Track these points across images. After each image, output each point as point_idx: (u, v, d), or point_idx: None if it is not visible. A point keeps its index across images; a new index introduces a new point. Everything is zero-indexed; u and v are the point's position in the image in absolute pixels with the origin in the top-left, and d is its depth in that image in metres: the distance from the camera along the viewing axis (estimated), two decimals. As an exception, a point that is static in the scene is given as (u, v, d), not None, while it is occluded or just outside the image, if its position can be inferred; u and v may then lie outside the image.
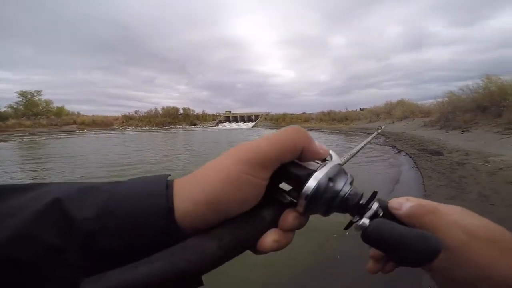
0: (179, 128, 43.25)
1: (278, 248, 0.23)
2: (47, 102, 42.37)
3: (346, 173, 0.26)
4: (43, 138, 24.00)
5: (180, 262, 0.19)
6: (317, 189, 0.23)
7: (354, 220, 0.26)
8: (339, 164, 0.25)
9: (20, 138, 23.88)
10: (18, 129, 32.60)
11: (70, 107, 48.42)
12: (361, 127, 26.18)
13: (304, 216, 0.24)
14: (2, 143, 19.34)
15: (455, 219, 0.26)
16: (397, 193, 4.75)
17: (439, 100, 18.46)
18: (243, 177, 0.22)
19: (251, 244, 0.23)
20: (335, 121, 34.74)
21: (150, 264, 0.18)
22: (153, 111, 49.49)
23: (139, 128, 42.17)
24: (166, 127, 43.86)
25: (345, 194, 0.24)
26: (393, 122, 22.74)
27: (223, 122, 52.17)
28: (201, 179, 0.22)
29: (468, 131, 11.49)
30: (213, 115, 55.72)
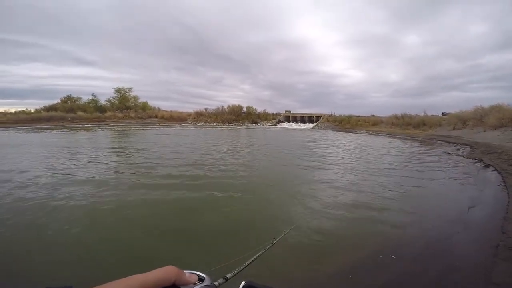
0: (242, 125, 45.87)
1: None
2: (135, 98, 48.66)
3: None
4: (135, 128, 29.12)
5: None
6: None
7: None
8: (207, 285, 0.42)
9: (119, 127, 29.41)
10: (113, 119, 39.61)
11: (151, 103, 54.19)
12: (442, 135, 22.71)
13: None
14: (104, 130, 24.76)
15: None
16: (470, 215, 4.41)
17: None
18: None
19: None
20: (409, 126, 31.07)
21: None
22: (220, 109, 53.76)
23: (207, 124, 46.61)
24: (231, 124, 47.13)
25: None
26: (484, 131, 19.16)
27: (282, 122, 52.53)
28: None
29: None
30: (273, 114, 56.75)
